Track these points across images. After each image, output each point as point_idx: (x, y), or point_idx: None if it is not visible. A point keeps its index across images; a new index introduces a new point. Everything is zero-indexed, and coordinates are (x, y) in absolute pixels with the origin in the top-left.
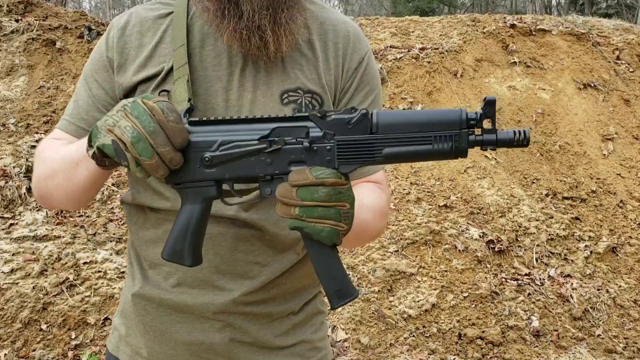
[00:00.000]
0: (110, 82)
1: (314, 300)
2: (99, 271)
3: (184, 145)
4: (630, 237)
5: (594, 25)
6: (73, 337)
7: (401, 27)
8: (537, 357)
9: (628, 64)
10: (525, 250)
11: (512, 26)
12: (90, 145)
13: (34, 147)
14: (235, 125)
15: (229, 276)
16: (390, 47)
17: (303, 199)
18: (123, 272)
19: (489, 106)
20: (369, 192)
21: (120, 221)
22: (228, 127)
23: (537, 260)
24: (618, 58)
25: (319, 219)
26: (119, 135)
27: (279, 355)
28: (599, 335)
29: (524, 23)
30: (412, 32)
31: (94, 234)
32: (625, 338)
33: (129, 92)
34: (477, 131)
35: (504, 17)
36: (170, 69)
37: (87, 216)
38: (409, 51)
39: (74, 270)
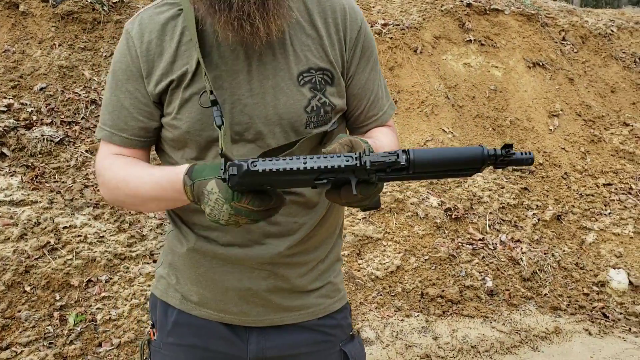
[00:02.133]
0: (142, 89)
1: (335, 249)
2: (79, 235)
3: (283, 202)
4: (573, 206)
5: (542, 7)
6: (57, 298)
7: (362, 2)
8: (492, 314)
9: (572, 44)
10: (479, 217)
11: (468, 5)
12: (191, 200)
13: (3, 112)
14: (287, 163)
15: (274, 235)
16: None
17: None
18: (103, 236)
19: (506, 149)
20: (386, 136)
21: (96, 187)
22: (282, 162)
23: (490, 227)
24: (564, 39)
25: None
26: (243, 223)
27: (310, 296)
28: (545, 294)
29: (479, 2)
30: (373, 7)
31: (71, 200)
32: (568, 297)
33: (161, 95)
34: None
35: None
36: (195, 70)
37: (63, 182)
38: (372, 26)
39: (54, 234)
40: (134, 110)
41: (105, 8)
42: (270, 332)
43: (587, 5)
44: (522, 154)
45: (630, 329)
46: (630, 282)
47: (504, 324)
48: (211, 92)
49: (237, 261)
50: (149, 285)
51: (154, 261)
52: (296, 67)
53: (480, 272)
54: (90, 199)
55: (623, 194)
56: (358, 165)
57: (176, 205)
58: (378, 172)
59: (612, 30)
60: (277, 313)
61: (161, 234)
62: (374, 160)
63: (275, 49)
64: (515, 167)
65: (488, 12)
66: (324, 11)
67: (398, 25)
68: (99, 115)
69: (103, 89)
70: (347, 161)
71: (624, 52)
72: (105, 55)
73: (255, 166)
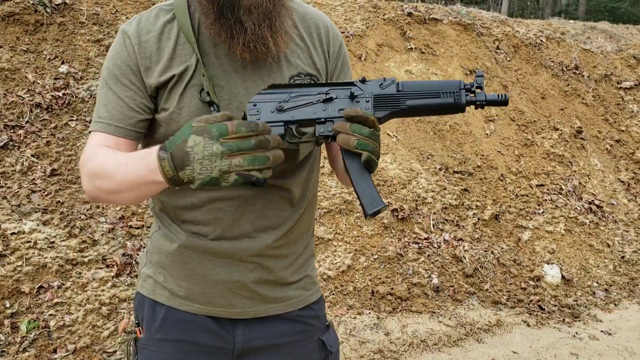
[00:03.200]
0: (140, 83)
1: (310, 245)
2: (28, 241)
3: (268, 130)
4: (509, 206)
5: (476, 16)
6: (7, 306)
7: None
8: (438, 309)
9: (506, 53)
10: (423, 217)
11: (409, 14)
12: (175, 182)
13: None
14: (301, 87)
15: (262, 228)
16: None
17: (354, 132)
18: (53, 242)
19: (479, 77)
20: None
21: (44, 192)
22: (297, 88)
23: (434, 226)
24: (498, 48)
25: (367, 148)
26: (244, 168)
27: (290, 288)
28: (487, 289)
29: (419, 12)
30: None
31: (18, 205)
32: (507, 291)
33: (160, 88)
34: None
35: (402, 5)
36: (196, 66)
37: (8, 187)
38: None
39: (2, 240)
40: (130, 101)
41: (47, 10)
42: (255, 323)
43: (513, 14)
44: (498, 95)
45: (564, 319)
46: (563, 277)
47: (449, 318)
48: (207, 94)
49: (226, 255)
50: (102, 291)
51: (107, 266)
52: (288, 71)
53: (426, 270)
54: (39, 204)
55: (554, 194)
56: (358, 80)
57: (150, 193)
58: (373, 92)
59: (541, 40)
60: (262, 305)
61: (113, 238)
62: (370, 80)
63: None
64: (455, 170)
65: (427, 21)
66: (308, 27)
67: (343, 32)
68: (44, 119)
69: (48, 93)
70: (348, 82)
71: (552, 61)
72: (49, 58)
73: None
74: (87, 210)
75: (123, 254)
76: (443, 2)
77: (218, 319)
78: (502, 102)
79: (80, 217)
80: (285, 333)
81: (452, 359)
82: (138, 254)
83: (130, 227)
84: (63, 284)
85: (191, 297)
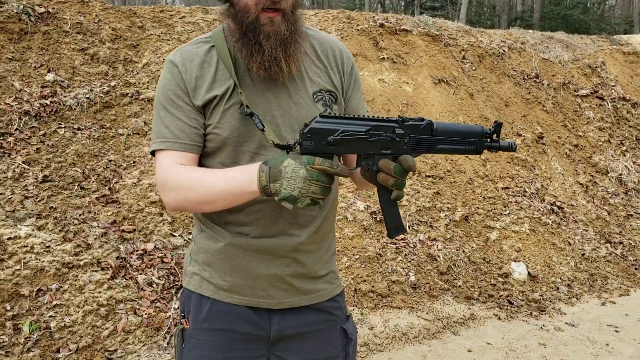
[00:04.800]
0: (190, 103)
1: (333, 243)
2: (25, 246)
3: (347, 171)
4: (478, 207)
5: (442, 27)
6: (8, 308)
7: None
8: (416, 304)
9: (471, 63)
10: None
11: (381, 25)
12: (266, 193)
13: None
14: (350, 120)
15: (296, 226)
16: None
17: (395, 173)
18: (49, 246)
19: (497, 127)
20: None
21: (37, 198)
22: (345, 121)
23: (409, 227)
24: (464, 58)
25: (400, 187)
26: (316, 196)
27: (319, 281)
28: (459, 285)
29: (390, 23)
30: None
31: (13, 211)
32: (479, 287)
33: (205, 107)
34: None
35: (374, 17)
36: (234, 87)
37: (1, 193)
38: None
39: None
40: (187, 119)
41: (32, 18)
42: (289, 313)
43: (470, 20)
44: (508, 143)
45: (531, 313)
46: (529, 273)
47: (427, 313)
48: (247, 107)
49: (267, 251)
50: (99, 292)
51: (102, 269)
52: (311, 88)
53: (404, 268)
54: (32, 210)
55: (519, 196)
56: (399, 119)
57: (239, 201)
58: (412, 134)
59: (504, 50)
60: (296, 296)
61: (106, 242)
62: (408, 118)
63: (294, 76)
64: (427, 174)
65: (398, 32)
66: (325, 50)
67: None
68: (33, 127)
69: (35, 100)
70: (390, 120)
71: (514, 70)
72: (35, 67)
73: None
74: (80, 215)
75: (117, 257)
76: (403, 8)
77: (256, 310)
78: (511, 149)
79: (73, 222)
80: (314, 322)
81: (431, 351)
82: (132, 257)
83: (123, 231)
84: (61, 287)
85: (235, 290)
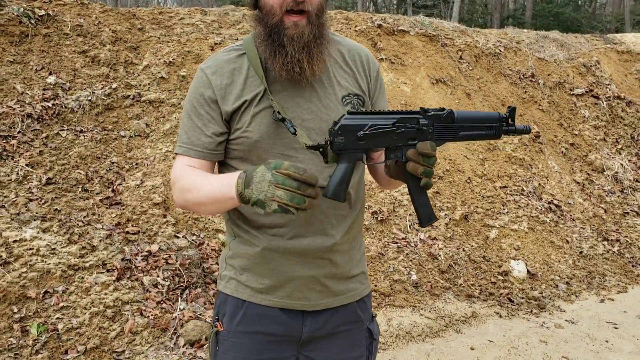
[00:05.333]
0: (214, 112)
1: (362, 244)
2: (30, 248)
3: (316, 182)
4: (477, 206)
5: (438, 27)
6: (15, 310)
7: None
8: (419, 303)
9: (468, 63)
10: (400, 218)
11: (379, 26)
12: (242, 199)
13: None
14: (375, 115)
15: (329, 226)
16: None
17: (426, 163)
18: (54, 248)
19: (512, 111)
20: None
21: (41, 200)
22: (371, 116)
23: (410, 227)
24: (461, 58)
25: (429, 175)
26: (282, 201)
27: (350, 282)
28: (460, 284)
29: (388, 23)
30: None
31: (17, 214)
32: (479, 285)
33: (234, 112)
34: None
35: (371, 17)
36: (263, 93)
37: (5, 196)
38: None
39: (5, 248)
40: (205, 129)
41: (32, 21)
42: (322, 314)
43: (463, 19)
44: (523, 126)
45: (531, 310)
46: (528, 271)
47: (430, 311)
48: (278, 112)
49: (303, 253)
50: (105, 294)
51: (108, 270)
52: (340, 93)
53: (405, 267)
54: (37, 212)
55: (517, 195)
56: (422, 110)
57: (226, 207)
58: (435, 123)
59: (500, 50)
60: (330, 297)
61: (111, 244)
62: (430, 109)
63: (324, 81)
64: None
65: (396, 32)
66: (353, 56)
67: None
68: (35, 129)
69: (37, 103)
70: (413, 112)
71: (510, 70)
72: (36, 69)
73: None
74: (84, 217)
75: (122, 259)
76: (395, 6)
77: (289, 312)
78: (526, 131)
79: (78, 224)
80: (343, 323)
81: (435, 349)
82: (136, 259)
83: (127, 232)
84: (67, 289)
85: (271, 292)
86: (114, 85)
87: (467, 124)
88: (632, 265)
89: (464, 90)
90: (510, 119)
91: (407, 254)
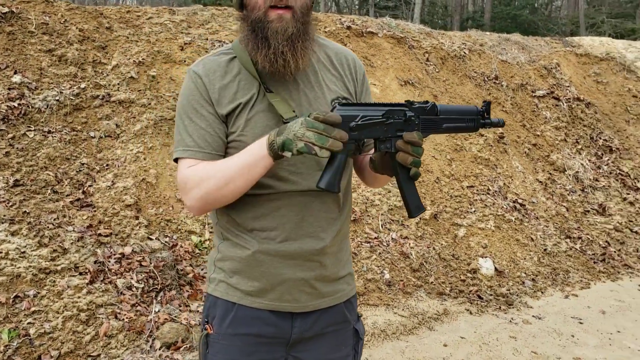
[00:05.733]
0: (213, 113)
1: (349, 245)
2: None
3: (340, 122)
4: (446, 206)
5: (405, 29)
6: None
7: None
8: (392, 301)
9: (435, 65)
10: (372, 218)
11: (348, 28)
12: (272, 149)
13: None
14: (365, 106)
15: (320, 229)
16: None
17: (415, 152)
18: (24, 252)
19: (487, 105)
20: None
21: (8, 203)
22: (362, 108)
23: (382, 226)
24: (428, 60)
25: (418, 165)
26: (309, 140)
27: (338, 283)
28: (432, 282)
29: (357, 25)
30: None
31: None
32: (450, 283)
33: (228, 115)
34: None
35: (340, 19)
36: (257, 95)
37: None
38: None
39: None
40: (210, 129)
41: None
42: (311, 316)
43: (423, 22)
44: (497, 119)
45: (500, 307)
46: (496, 269)
47: (403, 309)
48: (281, 116)
49: (294, 255)
50: (78, 297)
51: (80, 273)
52: (329, 96)
53: (378, 267)
54: (4, 215)
55: (483, 194)
56: (407, 102)
57: (254, 173)
58: (420, 115)
59: (465, 52)
60: (319, 299)
61: (83, 246)
62: (414, 102)
63: (313, 84)
64: None
65: (365, 34)
66: (340, 59)
67: None
68: (1, 130)
69: (2, 103)
70: (400, 104)
71: (475, 72)
72: (0, 68)
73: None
74: (55, 219)
75: (95, 262)
76: (357, 7)
77: (279, 314)
78: (500, 124)
79: (48, 227)
80: (331, 323)
81: (409, 346)
82: (109, 261)
83: (99, 235)
84: (38, 293)
85: (262, 295)
86: (82, 85)
87: (449, 116)
88: (594, 262)
89: (431, 92)
90: (486, 113)
91: (379, 253)
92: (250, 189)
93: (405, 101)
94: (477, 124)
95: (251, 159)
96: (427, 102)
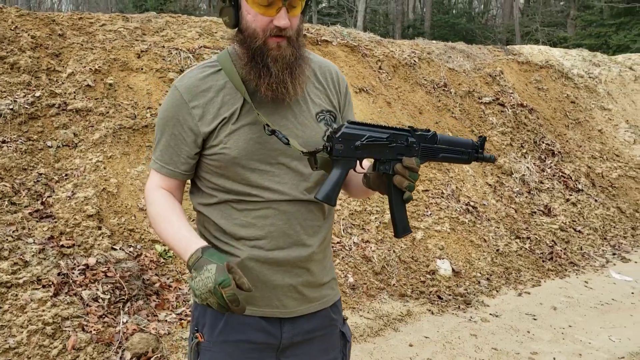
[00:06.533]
0: (185, 133)
1: (331, 251)
2: None
3: (244, 308)
4: None
5: (356, 37)
6: None
7: (204, 27)
8: (357, 305)
9: (387, 73)
10: (334, 223)
11: (304, 36)
12: (188, 268)
13: None
14: (371, 127)
15: (306, 237)
16: (204, 47)
17: (411, 177)
18: None
19: (482, 141)
20: None
21: None
22: (368, 128)
23: (344, 231)
24: (380, 68)
25: (412, 189)
26: (211, 304)
27: (323, 288)
28: (394, 284)
29: (311, 33)
30: (216, 32)
31: None
32: (411, 285)
33: (211, 132)
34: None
35: None
36: (241, 109)
37: None
38: (215, 53)
39: None
40: (178, 150)
41: None
42: (298, 321)
43: (365, 29)
44: (490, 155)
45: (459, 306)
46: (453, 269)
47: (368, 312)
48: (267, 125)
49: (282, 263)
50: (43, 311)
51: (43, 286)
52: (314, 109)
53: (342, 270)
54: None
55: (438, 197)
56: (410, 129)
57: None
58: (421, 142)
59: (414, 61)
60: (305, 304)
61: (45, 258)
62: (417, 129)
63: (298, 98)
64: None
65: (320, 42)
66: (324, 73)
67: None
68: None
69: None
70: (403, 129)
71: (425, 80)
72: None
73: (348, 127)
74: (14, 232)
75: (58, 274)
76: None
77: (269, 320)
78: (492, 160)
79: (7, 239)
80: (318, 327)
81: (377, 348)
82: (73, 273)
83: (62, 246)
84: (0, 307)
85: (251, 302)
86: (37, 94)
87: (447, 146)
88: (543, 261)
89: (385, 99)
90: (480, 148)
91: (342, 257)
92: (238, 199)
93: (408, 127)
94: (471, 157)
95: (177, 251)
96: (428, 130)
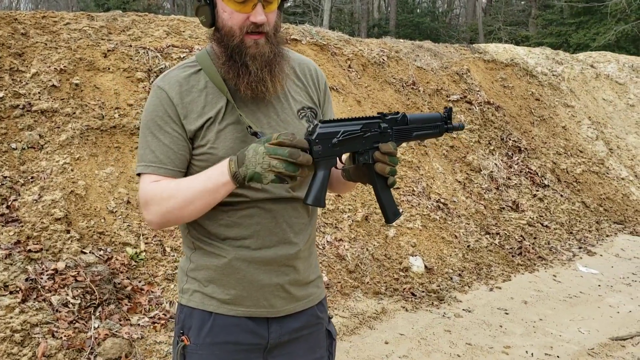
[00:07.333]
0: (179, 129)
1: (316, 250)
2: None
3: (307, 145)
4: (375, 207)
5: (324, 36)
6: None
7: (172, 25)
8: (332, 303)
9: (357, 71)
10: None
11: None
12: (237, 180)
13: None
14: (343, 122)
15: (292, 235)
16: (172, 46)
17: (392, 162)
18: None
19: (449, 111)
20: None
21: None
22: (341, 123)
23: (317, 229)
24: (350, 67)
25: (394, 173)
26: (278, 170)
27: (309, 287)
28: (367, 282)
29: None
30: (184, 31)
31: None
32: (385, 282)
33: (197, 131)
34: None
35: None
36: (226, 108)
37: None
38: (190, 51)
39: None
40: (173, 146)
41: None
42: (285, 320)
43: (332, 28)
44: (458, 123)
45: (432, 303)
46: (425, 266)
47: (343, 310)
48: (250, 127)
49: (269, 262)
50: (11, 318)
51: (10, 292)
52: (295, 106)
53: None
54: None
55: (409, 195)
56: (380, 115)
57: (216, 198)
58: (393, 127)
59: (383, 59)
60: (293, 303)
61: (11, 264)
62: (387, 113)
63: (280, 96)
64: None
65: (289, 41)
66: (303, 70)
67: None
68: None
69: None
70: (374, 117)
71: (394, 78)
72: None
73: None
74: None
75: (26, 279)
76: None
77: (256, 320)
78: (461, 128)
79: None
80: (305, 326)
81: (353, 346)
82: (42, 278)
83: (29, 251)
84: None
85: (238, 302)
86: (0, 95)
87: (418, 124)
88: (512, 256)
89: (355, 98)
90: (448, 119)
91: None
92: (223, 199)
93: (377, 113)
94: (442, 129)
95: (211, 185)
96: (397, 112)
